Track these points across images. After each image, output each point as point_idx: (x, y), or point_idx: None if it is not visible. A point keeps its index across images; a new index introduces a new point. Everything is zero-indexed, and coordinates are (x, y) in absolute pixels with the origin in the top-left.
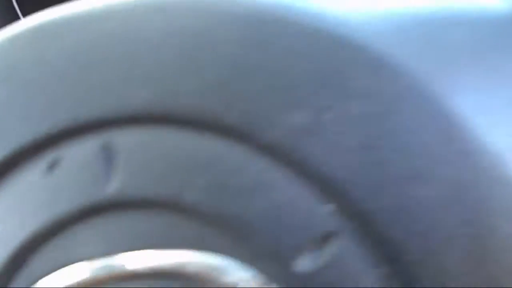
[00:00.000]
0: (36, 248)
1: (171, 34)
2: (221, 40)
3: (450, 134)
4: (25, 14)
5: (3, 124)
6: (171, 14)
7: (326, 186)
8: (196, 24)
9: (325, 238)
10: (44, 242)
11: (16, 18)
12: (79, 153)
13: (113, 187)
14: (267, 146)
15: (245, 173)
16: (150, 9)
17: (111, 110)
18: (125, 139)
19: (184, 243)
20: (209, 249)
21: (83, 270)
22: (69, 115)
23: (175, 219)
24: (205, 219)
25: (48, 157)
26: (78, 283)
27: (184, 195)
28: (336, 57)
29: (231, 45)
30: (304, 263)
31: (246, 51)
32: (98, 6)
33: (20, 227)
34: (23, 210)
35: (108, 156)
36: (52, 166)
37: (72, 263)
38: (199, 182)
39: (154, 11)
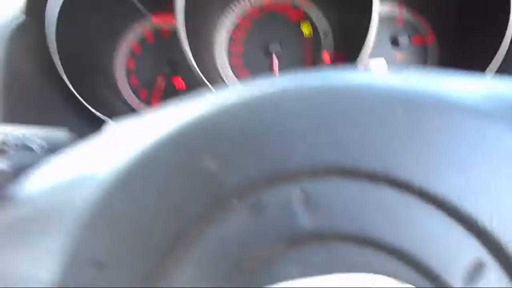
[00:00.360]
0: (251, 269)
1: (343, 114)
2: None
3: None
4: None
5: (227, 170)
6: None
7: (482, 233)
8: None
9: (476, 266)
10: (258, 264)
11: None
12: (281, 197)
13: (309, 224)
14: (432, 198)
15: (415, 217)
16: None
17: (307, 166)
18: (317, 186)
19: (366, 268)
20: (385, 273)
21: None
22: (275, 168)
23: (360, 249)
24: (384, 249)
25: (256, 200)
26: None
27: (367, 231)
28: None
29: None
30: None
31: None
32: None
33: (237, 254)
34: (240, 240)
35: (305, 199)
36: (260, 208)
37: (283, 281)
38: (378, 220)
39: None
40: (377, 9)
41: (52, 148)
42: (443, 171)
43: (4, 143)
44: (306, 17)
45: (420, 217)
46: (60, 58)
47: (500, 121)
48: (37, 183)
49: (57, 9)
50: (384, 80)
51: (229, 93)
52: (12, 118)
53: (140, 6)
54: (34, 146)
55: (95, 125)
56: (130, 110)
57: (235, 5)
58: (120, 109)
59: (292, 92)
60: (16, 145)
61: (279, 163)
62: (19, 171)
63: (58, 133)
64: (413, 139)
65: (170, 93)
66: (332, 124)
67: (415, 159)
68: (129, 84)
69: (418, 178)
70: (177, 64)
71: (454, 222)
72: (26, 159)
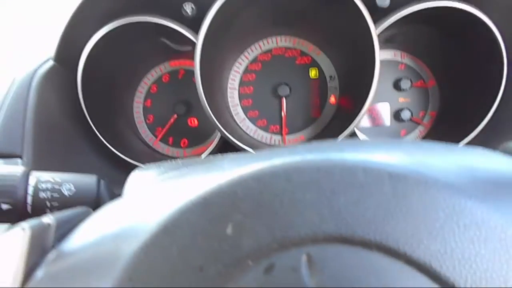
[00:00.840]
0: None
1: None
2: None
3: None
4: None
5: (246, 232)
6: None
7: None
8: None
9: None
10: None
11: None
12: (290, 259)
13: (313, 284)
14: (416, 263)
15: (403, 280)
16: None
17: (312, 233)
18: (321, 251)
19: None
20: None
21: None
22: (285, 234)
23: None
24: None
25: (268, 262)
26: None
27: None
28: None
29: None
30: None
31: None
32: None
33: None
34: None
35: (310, 262)
36: (271, 268)
37: None
38: (371, 282)
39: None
40: (379, 57)
41: (81, 192)
42: (424, 239)
43: (36, 187)
44: (314, 62)
45: (407, 280)
46: (85, 102)
47: (471, 195)
48: (81, 236)
49: (85, 56)
50: (376, 155)
51: (244, 163)
52: (40, 160)
53: (173, 45)
54: (64, 191)
55: (119, 166)
56: (146, 147)
57: (247, 52)
58: (137, 146)
59: (299, 168)
60: (48, 190)
61: (288, 230)
62: (63, 224)
63: (86, 178)
64: (399, 211)
65: (183, 131)
66: (332, 197)
67: (401, 228)
68: (146, 122)
69: (404, 246)
70: (190, 104)
71: (436, 285)
72: (69, 213)
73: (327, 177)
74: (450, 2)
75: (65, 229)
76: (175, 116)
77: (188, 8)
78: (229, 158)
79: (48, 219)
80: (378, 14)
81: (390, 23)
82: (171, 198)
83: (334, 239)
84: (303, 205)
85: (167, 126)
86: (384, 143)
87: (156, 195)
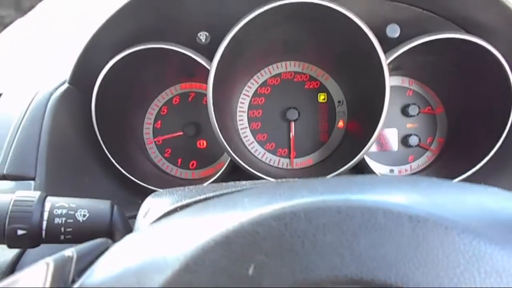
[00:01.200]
0: None
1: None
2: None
3: None
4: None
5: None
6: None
7: None
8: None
9: None
10: None
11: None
12: None
13: None
14: None
15: None
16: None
17: (332, 275)
18: None
19: None
20: None
21: None
22: (304, 275)
23: None
24: None
25: None
26: None
27: None
28: None
29: None
30: None
31: None
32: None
33: None
34: None
35: None
36: None
37: None
38: None
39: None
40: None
41: (95, 218)
42: (445, 285)
43: (51, 213)
44: (322, 87)
45: None
46: (98, 123)
47: (491, 240)
48: (102, 271)
49: (100, 79)
50: (395, 196)
51: (265, 201)
52: (52, 182)
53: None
54: (78, 216)
55: (129, 187)
56: (156, 168)
57: (257, 76)
58: (147, 168)
59: (319, 209)
60: (62, 215)
61: (309, 272)
62: (83, 257)
63: (100, 203)
64: (419, 255)
65: (192, 153)
66: (353, 239)
67: (421, 273)
68: (155, 143)
69: None
70: (200, 126)
71: None
72: (89, 245)
73: (348, 219)
74: (458, 34)
75: (85, 262)
76: (185, 137)
77: (203, 36)
78: (249, 193)
79: (69, 252)
80: (388, 44)
81: (400, 53)
82: (192, 234)
83: (355, 282)
84: (324, 247)
85: (177, 148)
86: (402, 182)
87: (176, 229)
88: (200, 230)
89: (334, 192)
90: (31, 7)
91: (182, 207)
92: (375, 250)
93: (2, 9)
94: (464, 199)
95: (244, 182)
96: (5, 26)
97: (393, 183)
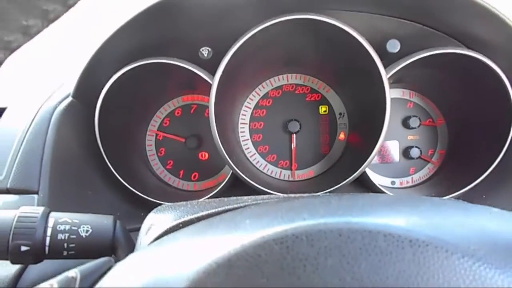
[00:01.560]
0: None
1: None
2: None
3: None
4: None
5: None
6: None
7: None
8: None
9: None
10: None
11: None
12: None
13: None
14: None
15: None
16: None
17: None
18: None
19: None
20: None
21: None
22: None
23: None
24: None
25: None
26: None
27: None
28: None
29: None
30: None
31: None
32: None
33: None
34: None
35: None
36: None
37: None
38: None
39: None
40: (390, 95)
41: (97, 233)
42: None
43: (54, 228)
44: (324, 99)
45: None
46: (101, 135)
47: (491, 264)
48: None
49: (104, 93)
50: (396, 219)
51: (267, 223)
52: (55, 196)
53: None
54: (81, 232)
55: (132, 199)
56: (158, 180)
57: (259, 89)
58: (149, 179)
59: (320, 232)
60: (65, 231)
61: None
62: (87, 276)
63: (103, 219)
64: (420, 279)
65: (194, 164)
66: (354, 262)
67: None
68: (157, 155)
69: None
70: (201, 138)
71: None
72: (92, 265)
73: (349, 242)
74: (458, 49)
75: (89, 282)
76: (186, 149)
77: (205, 52)
78: (250, 214)
79: (73, 272)
80: (389, 59)
81: (400, 68)
82: (194, 256)
83: None
84: (326, 271)
85: (178, 159)
86: (403, 203)
87: (179, 250)
88: (202, 252)
89: (335, 214)
90: (38, 32)
91: (184, 224)
92: (375, 274)
93: (10, 34)
94: (464, 221)
95: (245, 198)
96: (12, 51)
97: (394, 204)
